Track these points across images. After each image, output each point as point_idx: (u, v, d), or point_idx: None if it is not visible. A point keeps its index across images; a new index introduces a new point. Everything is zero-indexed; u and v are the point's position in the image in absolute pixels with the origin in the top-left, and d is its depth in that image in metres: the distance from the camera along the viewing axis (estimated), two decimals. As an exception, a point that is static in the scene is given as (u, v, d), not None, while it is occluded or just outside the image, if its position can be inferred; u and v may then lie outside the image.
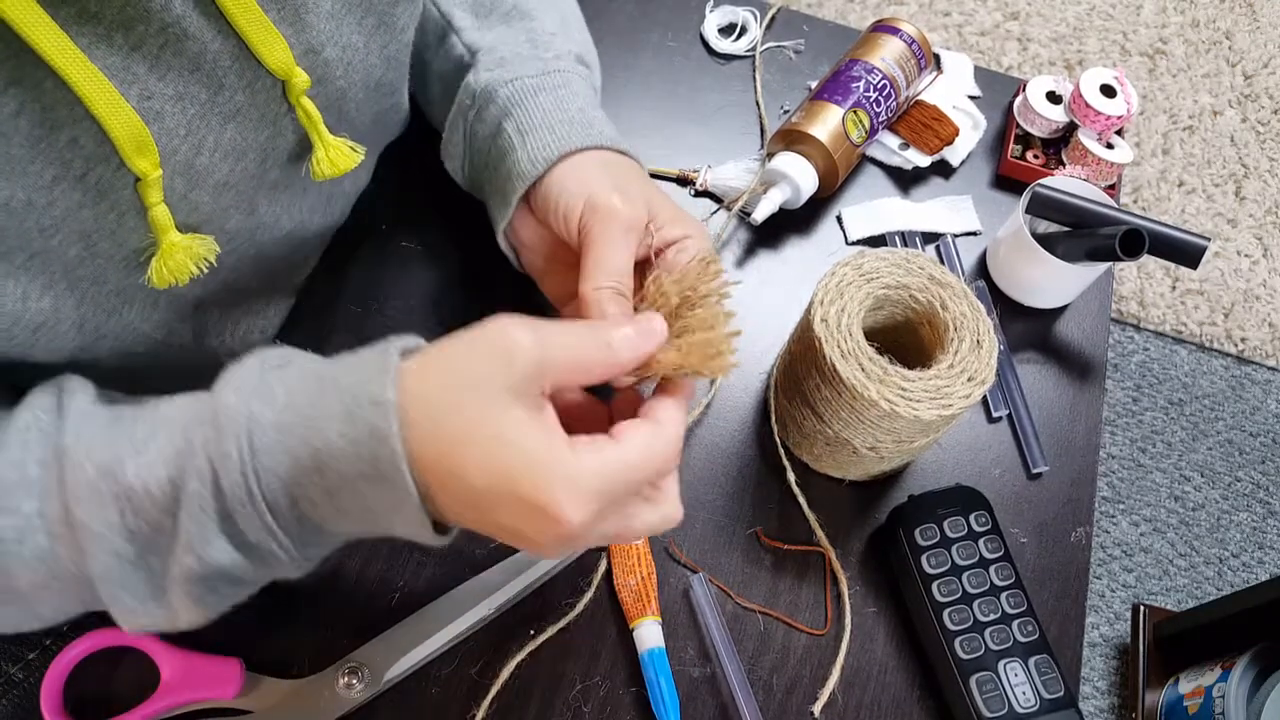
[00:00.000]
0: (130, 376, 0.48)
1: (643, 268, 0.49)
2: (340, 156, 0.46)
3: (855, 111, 0.67)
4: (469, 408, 0.35)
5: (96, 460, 0.37)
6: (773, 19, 0.78)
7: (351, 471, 0.36)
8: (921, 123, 0.72)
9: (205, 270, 0.42)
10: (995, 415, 0.63)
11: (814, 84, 0.74)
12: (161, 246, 0.41)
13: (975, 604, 0.53)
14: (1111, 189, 0.73)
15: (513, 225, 0.53)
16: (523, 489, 0.35)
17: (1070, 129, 0.74)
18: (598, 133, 0.51)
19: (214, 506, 0.37)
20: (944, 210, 0.71)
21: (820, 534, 0.57)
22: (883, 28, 0.72)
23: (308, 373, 0.38)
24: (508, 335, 0.36)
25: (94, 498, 0.37)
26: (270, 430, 0.36)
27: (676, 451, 0.40)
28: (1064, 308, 0.69)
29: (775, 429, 0.60)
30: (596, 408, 0.44)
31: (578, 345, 0.38)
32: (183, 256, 0.41)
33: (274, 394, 0.37)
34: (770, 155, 0.68)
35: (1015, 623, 0.53)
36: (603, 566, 0.55)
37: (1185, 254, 0.64)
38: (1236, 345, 1.56)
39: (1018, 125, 0.75)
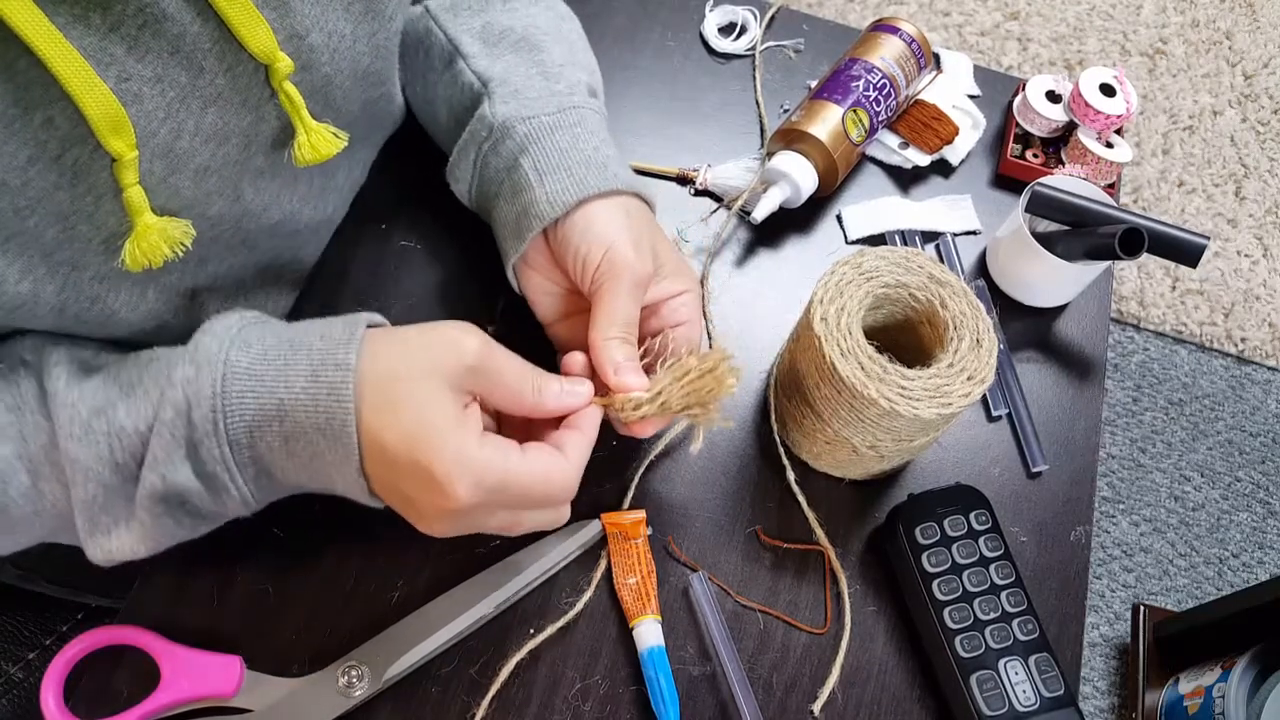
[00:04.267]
0: None
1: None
2: (322, 142, 0.46)
3: (855, 111, 0.67)
4: (407, 385, 0.41)
5: (89, 402, 0.42)
6: (772, 18, 0.79)
7: (308, 422, 0.41)
8: (921, 122, 0.72)
9: (180, 253, 0.42)
10: (995, 414, 0.63)
11: (814, 83, 0.74)
12: (136, 228, 0.41)
13: (975, 602, 0.54)
14: (1111, 188, 0.73)
15: (525, 259, 0.54)
16: (423, 457, 0.40)
17: (1070, 128, 0.74)
18: (612, 175, 0.52)
19: (184, 435, 0.41)
20: (944, 209, 0.71)
21: (820, 533, 0.57)
22: (882, 27, 0.72)
23: (281, 330, 0.44)
24: (460, 337, 0.43)
25: (86, 435, 0.41)
26: (243, 377, 0.42)
27: (572, 483, 0.45)
28: (1064, 307, 0.69)
29: (775, 428, 0.60)
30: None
31: (513, 375, 0.45)
32: (157, 239, 0.41)
33: (250, 346, 0.43)
34: (770, 154, 0.68)
35: (1015, 621, 0.53)
36: (603, 565, 0.55)
37: (1185, 253, 0.64)
38: (1236, 345, 1.56)
39: (1017, 124, 0.75)
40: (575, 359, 0.50)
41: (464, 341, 0.42)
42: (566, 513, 0.48)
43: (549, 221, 0.51)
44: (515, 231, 0.53)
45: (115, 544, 0.44)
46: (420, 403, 0.41)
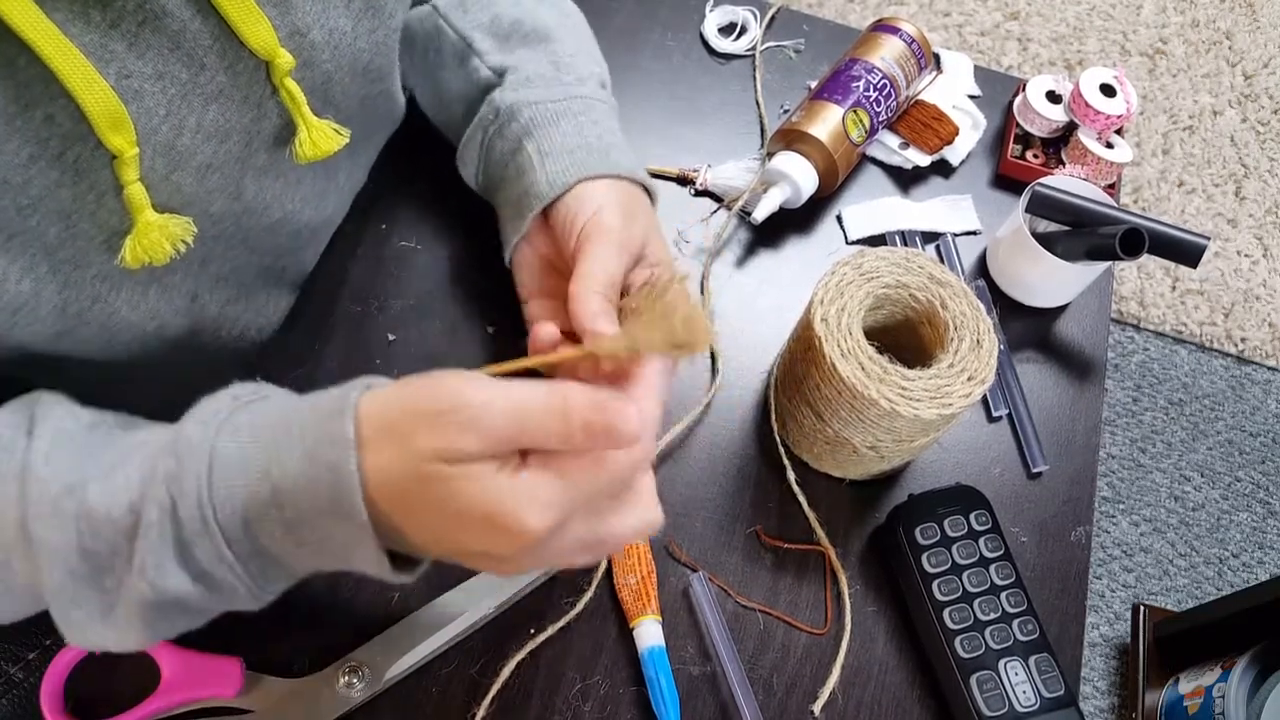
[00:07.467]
0: (124, 374, 0.48)
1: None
2: (323, 138, 0.46)
3: (855, 111, 0.67)
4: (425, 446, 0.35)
5: (62, 480, 0.38)
6: (773, 19, 0.78)
7: (310, 507, 0.36)
8: (921, 122, 0.72)
9: (181, 251, 0.42)
10: (995, 415, 0.63)
11: (814, 83, 0.74)
12: (137, 225, 0.40)
13: (975, 603, 0.54)
14: (1111, 188, 0.73)
15: (524, 237, 0.54)
16: (478, 511, 0.35)
17: (1070, 128, 0.74)
18: (614, 161, 0.53)
19: (171, 536, 0.37)
20: (944, 209, 0.71)
21: (820, 533, 0.57)
22: (883, 27, 0.72)
23: (274, 411, 0.39)
24: (460, 386, 0.36)
25: (54, 516, 0.37)
26: (231, 465, 0.37)
27: (637, 455, 0.38)
28: (1064, 307, 0.69)
29: (775, 428, 0.60)
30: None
31: (537, 403, 0.36)
32: (158, 235, 0.41)
33: (238, 429, 0.38)
34: (770, 155, 0.68)
35: (1015, 622, 0.53)
36: (603, 566, 0.55)
37: (1185, 253, 0.64)
38: (1236, 345, 1.56)
39: (1017, 125, 0.75)
40: (546, 329, 0.46)
41: (465, 390, 0.36)
42: (658, 512, 0.40)
43: (547, 201, 0.51)
44: (516, 211, 0.53)
45: (96, 638, 0.39)
46: (447, 471, 0.35)
